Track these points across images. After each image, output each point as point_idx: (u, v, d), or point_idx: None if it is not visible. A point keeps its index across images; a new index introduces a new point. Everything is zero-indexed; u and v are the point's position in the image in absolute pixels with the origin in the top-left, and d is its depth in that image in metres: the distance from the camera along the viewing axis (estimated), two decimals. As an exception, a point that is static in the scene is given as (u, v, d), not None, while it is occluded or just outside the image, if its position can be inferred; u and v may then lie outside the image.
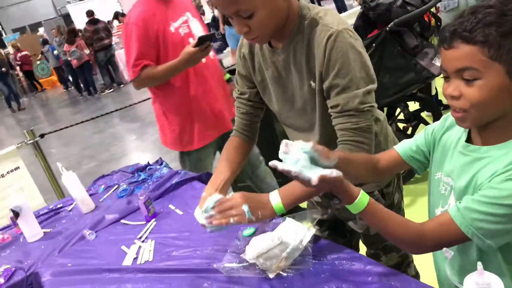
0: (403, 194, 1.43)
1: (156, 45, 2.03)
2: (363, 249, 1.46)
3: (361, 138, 1.09)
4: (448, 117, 0.98)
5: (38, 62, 13.82)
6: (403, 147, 1.04)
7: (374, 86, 1.10)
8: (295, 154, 0.83)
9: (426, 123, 3.14)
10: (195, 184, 1.80)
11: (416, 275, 1.48)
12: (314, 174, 0.81)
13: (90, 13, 10.42)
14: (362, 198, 0.85)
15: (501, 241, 0.81)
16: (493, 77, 0.78)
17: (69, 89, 12.22)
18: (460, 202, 0.83)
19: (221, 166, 1.34)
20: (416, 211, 2.47)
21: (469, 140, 0.90)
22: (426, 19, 2.78)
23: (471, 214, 0.79)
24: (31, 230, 1.71)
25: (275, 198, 1.11)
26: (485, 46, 0.76)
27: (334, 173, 0.82)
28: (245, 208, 1.08)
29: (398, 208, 1.37)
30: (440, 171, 0.96)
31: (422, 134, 1.03)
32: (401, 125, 3.21)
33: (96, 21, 9.88)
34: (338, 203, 1.34)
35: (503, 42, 0.76)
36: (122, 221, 1.67)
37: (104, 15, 12.26)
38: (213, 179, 1.32)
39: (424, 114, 3.15)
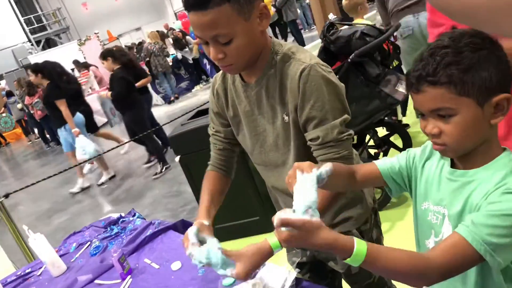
0: (381, 220, 1.42)
1: None
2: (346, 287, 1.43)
3: None
4: (426, 147, 1.00)
5: (4, 115, 13.47)
6: (384, 165, 1.03)
7: (349, 116, 1.13)
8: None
9: (396, 147, 3.20)
10: (170, 234, 1.74)
11: (403, 308, 1.46)
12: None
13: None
14: (359, 245, 0.80)
15: (508, 257, 0.80)
16: (467, 111, 0.81)
17: (36, 140, 11.91)
18: (463, 222, 0.81)
19: (205, 199, 1.29)
20: (396, 235, 2.47)
21: (452, 165, 0.92)
22: (385, 47, 2.88)
23: (481, 229, 0.78)
24: (-3, 301, 1.60)
25: (273, 238, 1.03)
26: (450, 85, 0.80)
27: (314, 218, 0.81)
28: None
29: (378, 244, 1.35)
30: (426, 201, 0.96)
31: (404, 157, 1.03)
32: (372, 151, 3.26)
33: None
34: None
35: (466, 78, 0.79)
36: (96, 281, 1.58)
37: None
38: (202, 210, 1.26)
39: (392, 138, 3.22)
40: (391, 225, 2.62)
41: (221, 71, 1.26)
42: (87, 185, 5.85)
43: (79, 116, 5.24)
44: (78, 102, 5.26)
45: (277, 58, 1.13)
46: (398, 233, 2.52)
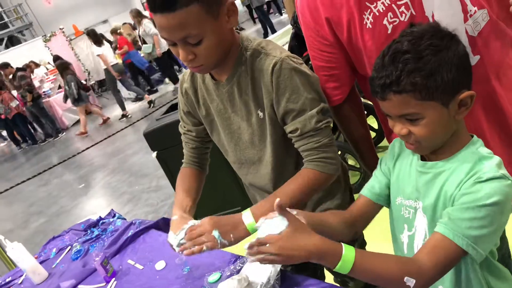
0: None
1: (336, 50, 1.16)
2: (329, 276, 1.45)
3: (325, 154, 1.12)
4: (394, 145, 1.02)
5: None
6: (367, 189, 1.06)
7: (325, 104, 1.13)
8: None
9: (372, 129, 3.25)
10: (152, 233, 1.73)
11: (386, 292, 1.49)
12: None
13: (5, 66, 9.48)
14: (347, 251, 0.80)
15: (488, 247, 0.82)
16: (433, 113, 0.83)
17: (6, 142, 11.54)
18: (441, 220, 0.83)
19: (181, 195, 1.29)
20: (373, 224, 2.51)
21: (422, 158, 0.93)
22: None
23: (459, 224, 0.80)
24: (-22, 314, 1.57)
25: (248, 218, 1.10)
26: (415, 92, 0.81)
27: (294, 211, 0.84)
28: (215, 233, 1.07)
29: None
30: (399, 196, 0.98)
31: (378, 168, 1.05)
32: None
33: (24, 70, 9.34)
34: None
35: (429, 83, 0.80)
36: (80, 286, 1.57)
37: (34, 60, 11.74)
38: (178, 204, 1.27)
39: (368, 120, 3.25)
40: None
41: (188, 70, 1.24)
42: None
43: None
44: None
45: (247, 54, 1.12)
46: (376, 222, 2.56)
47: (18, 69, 9.35)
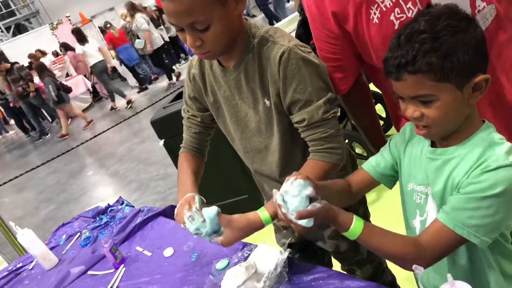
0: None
1: (342, 42, 1.14)
2: (336, 264, 1.46)
3: (331, 144, 1.12)
4: (406, 129, 1.01)
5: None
6: (371, 166, 1.05)
7: (333, 94, 1.13)
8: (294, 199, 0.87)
9: (381, 118, 3.23)
10: (160, 221, 1.75)
11: (392, 279, 1.51)
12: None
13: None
14: (357, 224, 0.86)
15: (494, 234, 0.83)
16: (447, 96, 0.81)
17: (14, 130, 11.63)
18: (444, 206, 0.84)
19: (188, 183, 1.27)
20: (381, 206, 2.52)
21: (432, 144, 0.93)
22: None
23: (461, 214, 0.81)
24: (-9, 299, 1.60)
25: (263, 213, 1.11)
26: (430, 72, 0.79)
27: (318, 205, 0.86)
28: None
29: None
30: (411, 182, 0.97)
31: (387, 148, 1.05)
32: (355, 123, 3.28)
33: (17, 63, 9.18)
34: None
35: (445, 64, 0.79)
36: (89, 272, 1.59)
37: (41, 48, 11.76)
38: (192, 186, 1.26)
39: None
40: (377, 194, 2.67)
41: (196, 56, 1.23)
42: None
43: None
44: None
45: (254, 41, 1.11)
46: (386, 208, 2.56)
47: (12, 64, 9.22)
